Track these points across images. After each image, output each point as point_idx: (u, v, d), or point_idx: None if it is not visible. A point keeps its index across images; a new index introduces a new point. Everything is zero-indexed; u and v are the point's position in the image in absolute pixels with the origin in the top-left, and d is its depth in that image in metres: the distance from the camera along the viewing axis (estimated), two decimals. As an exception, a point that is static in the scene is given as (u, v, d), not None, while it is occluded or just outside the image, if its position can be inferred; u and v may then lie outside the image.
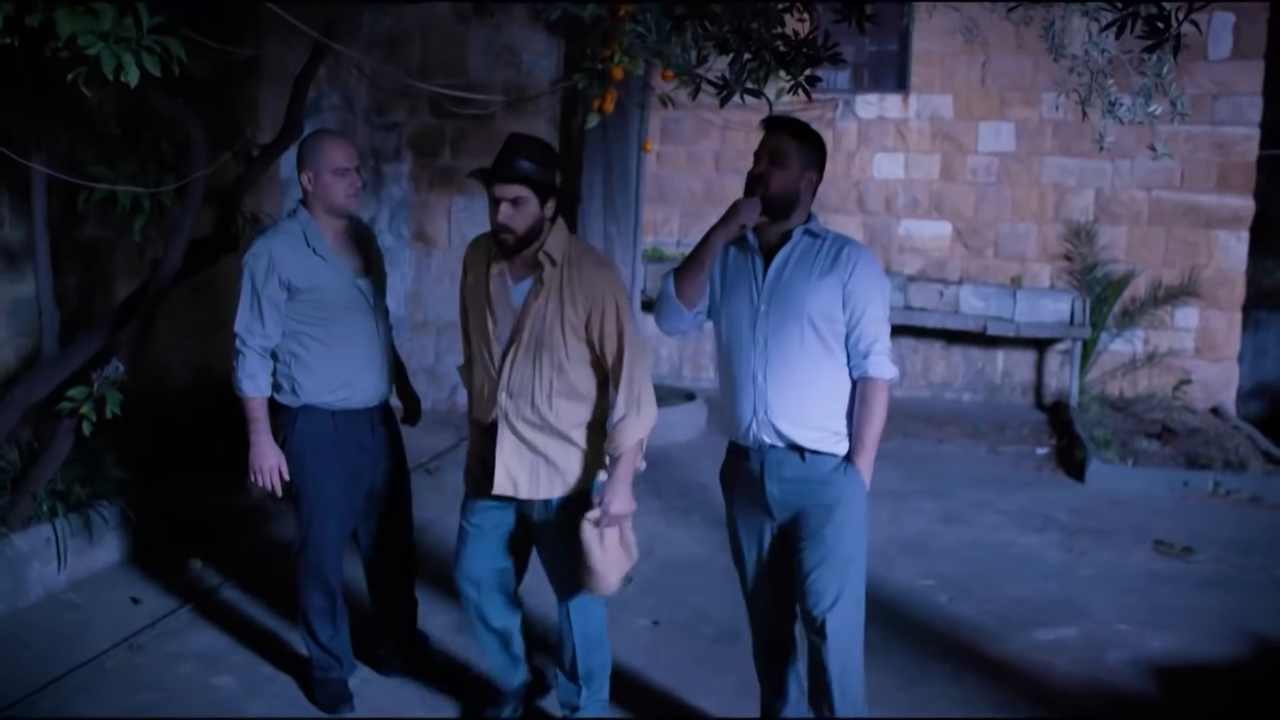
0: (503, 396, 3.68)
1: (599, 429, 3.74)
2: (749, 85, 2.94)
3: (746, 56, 2.94)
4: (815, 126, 3.64)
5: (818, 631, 3.48)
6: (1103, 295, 9.57)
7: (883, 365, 3.45)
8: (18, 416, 5.16)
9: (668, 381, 9.27)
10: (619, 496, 3.60)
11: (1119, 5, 2.41)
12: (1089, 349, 9.60)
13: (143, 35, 3.27)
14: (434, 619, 4.85)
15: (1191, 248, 9.58)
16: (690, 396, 8.78)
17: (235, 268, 4.17)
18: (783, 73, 3.24)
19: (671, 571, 5.68)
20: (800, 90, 3.24)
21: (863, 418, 3.46)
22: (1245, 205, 9.44)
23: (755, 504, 3.61)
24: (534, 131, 8.90)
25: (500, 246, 3.54)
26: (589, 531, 3.60)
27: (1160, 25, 2.33)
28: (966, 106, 9.88)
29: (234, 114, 5.56)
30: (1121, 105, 4.36)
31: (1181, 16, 2.33)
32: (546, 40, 8.76)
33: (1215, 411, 9.37)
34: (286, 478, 4.01)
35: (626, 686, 4.41)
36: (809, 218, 3.52)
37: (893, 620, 5.06)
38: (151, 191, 4.67)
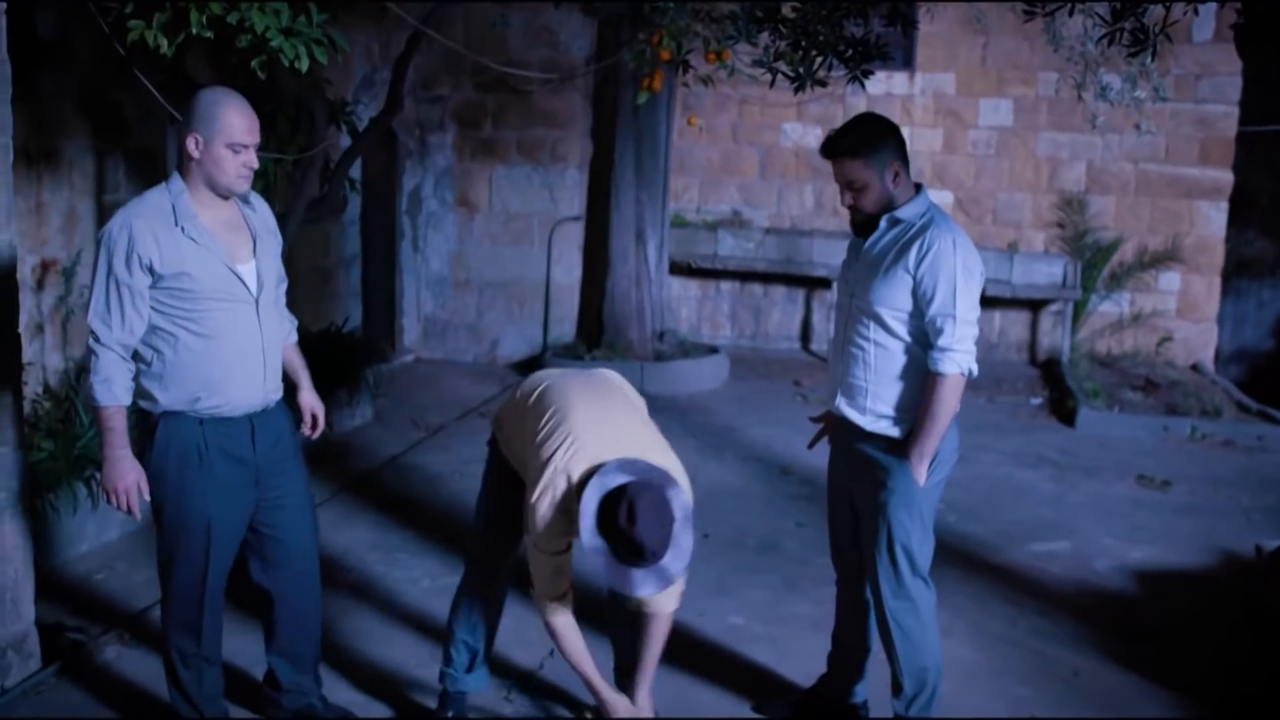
0: None
1: None
2: (817, 77, 3.64)
3: (814, 53, 3.64)
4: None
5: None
6: (1092, 260, 10.14)
7: (940, 360, 3.38)
8: None
9: (689, 339, 9.98)
10: None
11: (1108, 21, 3.13)
12: (1079, 309, 10.20)
13: (314, 30, 3.97)
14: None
15: (1175, 216, 10.21)
16: (714, 350, 9.53)
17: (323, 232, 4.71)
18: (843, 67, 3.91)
19: (712, 497, 6.42)
20: (858, 80, 3.90)
21: (920, 408, 3.45)
22: (1225, 178, 10.13)
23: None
24: (570, 105, 9.65)
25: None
26: None
27: (1141, 36, 3.06)
28: (968, 84, 10.45)
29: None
30: (1112, 90, 5.09)
31: (1158, 30, 3.06)
32: (581, 21, 9.45)
33: (1194, 368, 10.07)
34: (146, 498, 3.43)
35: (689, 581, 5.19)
36: (909, 200, 3.54)
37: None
38: (276, 158, 5.37)
